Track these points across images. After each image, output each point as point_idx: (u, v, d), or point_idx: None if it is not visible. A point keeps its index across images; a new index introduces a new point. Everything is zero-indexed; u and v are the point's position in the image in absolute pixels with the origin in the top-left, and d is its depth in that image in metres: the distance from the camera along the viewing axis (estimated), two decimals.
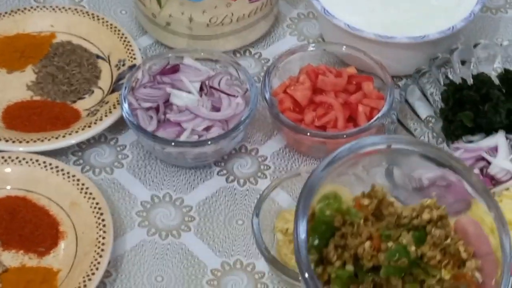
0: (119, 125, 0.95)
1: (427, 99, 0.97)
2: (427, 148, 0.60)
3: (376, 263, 0.51)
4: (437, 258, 0.53)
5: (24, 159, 0.88)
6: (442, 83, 0.97)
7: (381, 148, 0.59)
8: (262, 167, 0.94)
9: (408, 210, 0.57)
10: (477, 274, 0.53)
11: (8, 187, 0.87)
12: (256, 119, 0.97)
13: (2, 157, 0.88)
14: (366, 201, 0.57)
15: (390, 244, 0.52)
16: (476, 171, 0.88)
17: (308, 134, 0.90)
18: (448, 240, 0.53)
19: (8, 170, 0.87)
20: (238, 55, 1.04)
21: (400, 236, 0.53)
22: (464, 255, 0.53)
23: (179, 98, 0.90)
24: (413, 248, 0.52)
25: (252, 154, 0.95)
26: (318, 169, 0.54)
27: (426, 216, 0.56)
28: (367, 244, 0.52)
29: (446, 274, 0.52)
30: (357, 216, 0.55)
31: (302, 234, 0.52)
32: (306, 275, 0.50)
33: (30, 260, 0.83)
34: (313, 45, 0.98)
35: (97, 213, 0.84)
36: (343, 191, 0.79)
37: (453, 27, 0.96)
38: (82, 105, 0.97)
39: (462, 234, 0.54)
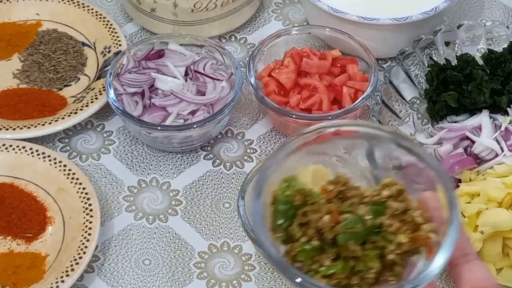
0: (106, 111, 0.95)
1: (412, 81, 0.98)
2: (385, 133, 0.61)
3: (336, 235, 0.56)
4: (395, 226, 0.56)
5: (10, 145, 0.88)
6: (426, 64, 0.98)
7: (330, 132, 0.61)
8: (248, 150, 0.94)
9: (370, 190, 0.60)
10: (433, 235, 0.56)
11: None
12: (242, 103, 0.97)
13: None
14: (331, 187, 0.60)
15: (347, 215, 0.56)
16: (460, 150, 0.88)
17: (294, 116, 0.91)
18: (406, 210, 0.57)
19: None
20: (223, 40, 1.05)
21: (357, 209, 0.57)
22: (419, 219, 0.56)
23: (164, 83, 0.90)
24: (368, 217, 0.56)
25: (238, 138, 0.95)
26: (272, 155, 0.59)
27: (385, 192, 0.59)
28: (326, 217, 0.56)
29: (403, 239, 0.56)
30: (318, 197, 0.59)
31: (257, 212, 0.56)
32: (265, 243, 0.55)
33: (18, 246, 0.83)
34: (297, 28, 0.99)
35: (84, 197, 0.84)
36: (326, 171, 0.80)
37: (436, 8, 0.97)
38: (68, 92, 0.97)
39: (423, 205, 0.56)
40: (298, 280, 0.54)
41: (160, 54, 0.93)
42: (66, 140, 0.94)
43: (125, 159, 0.92)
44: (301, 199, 0.58)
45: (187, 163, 0.92)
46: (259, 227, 0.56)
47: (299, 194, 0.58)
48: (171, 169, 0.92)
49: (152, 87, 0.91)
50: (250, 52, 1.03)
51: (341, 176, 0.61)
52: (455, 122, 0.94)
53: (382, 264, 0.56)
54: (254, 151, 0.95)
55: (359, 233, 0.55)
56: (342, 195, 0.59)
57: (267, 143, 0.95)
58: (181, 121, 0.89)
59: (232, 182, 0.91)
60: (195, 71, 0.92)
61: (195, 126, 0.88)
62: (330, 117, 0.91)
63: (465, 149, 0.89)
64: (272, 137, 0.96)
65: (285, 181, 0.59)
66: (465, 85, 0.94)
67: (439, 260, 0.54)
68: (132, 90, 0.90)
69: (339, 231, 0.56)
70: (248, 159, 0.94)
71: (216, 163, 0.93)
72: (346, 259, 0.56)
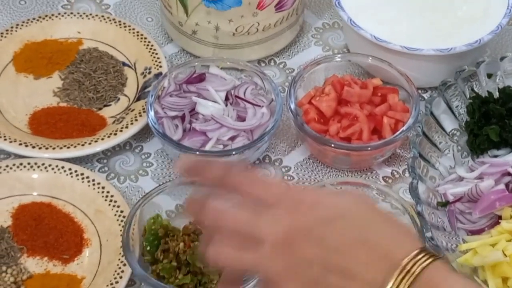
0: (144, 133, 0.96)
1: (452, 112, 0.97)
2: None
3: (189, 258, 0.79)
4: None
5: (50, 165, 0.89)
6: (467, 96, 0.97)
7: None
8: (286, 177, 0.94)
9: None
10: None
11: (35, 193, 0.88)
12: (280, 129, 0.97)
13: (29, 163, 0.89)
14: (189, 226, 0.83)
15: (197, 243, 0.80)
16: (502, 186, 0.87)
17: (333, 145, 0.90)
18: None
19: (35, 176, 0.88)
20: (262, 64, 1.05)
21: None
22: None
23: (205, 107, 0.90)
24: None
25: (276, 164, 0.95)
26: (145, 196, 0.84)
27: None
28: (181, 244, 0.80)
29: None
30: (176, 230, 0.82)
31: (126, 239, 0.80)
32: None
33: (55, 267, 0.83)
34: (338, 55, 0.98)
35: (122, 221, 0.84)
36: None
37: (480, 40, 0.96)
38: (108, 112, 0.97)
39: None
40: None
41: (201, 78, 0.93)
42: (105, 161, 0.94)
43: (163, 182, 0.92)
44: (163, 232, 0.82)
45: None
46: (127, 252, 0.78)
47: (162, 228, 0.82)
48: None
49: (193, 111, 0.91)
50: (289, 77, 1.04)
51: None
52: (496, 156, 0.92)
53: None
54: (292, 178, 0.94)
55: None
56: (198, 231, 0.82)
57: (305, 171, 0.95)
58: (221, 146, 0.89)
59: None
60: (236, 96, 0.92)
61: (234, 152, 0.88)
62: (369, 148, 0.90)
63: (507, 185, 0.88)
64: (309, 164, 0.95)
65: (152, 218, 0.83)
66: (508, 119, 0.93)
67: None
68: (173, 113, 0.90)
69: (189, 254, 0.79)
70: None
71: None
72: (194, 274, 0.79)
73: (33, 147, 0.90)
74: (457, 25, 0.98)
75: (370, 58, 0.97)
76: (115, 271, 0.80)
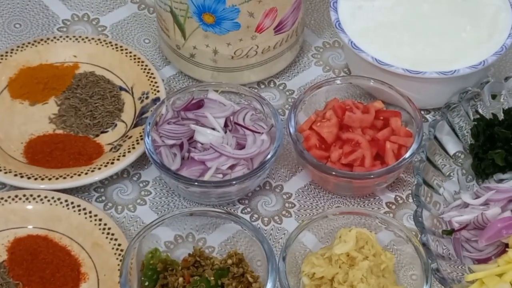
0: (142, 160, 0.94)
1: (456, 134, 0.95)
2: None
3: None
4: (233, 285, 0.79)
5: (46, 197, 0.87)
6: (471, 117, 0.95)
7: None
8: (287, 205, 0.92)
9: (218, 260, 0.82)
10: None
11: (30, 226, 0.86)
12: (281, 154, 0.95)
13: (24, 195, 0.87)
14: (188, 258, 0.81)
15: (196, 278, 0.79)
16: (508, 213, 0.85)
17: (334, 173, 0.88)
18: (243, 273, 0.80)
19: (30, 207, 0.86)
20: (262, 86, 1.03)
21: (204, 271, 0.79)
22: (250, 279, 0.80)
23: (203, 135, 0.88)
24: (212, 278, 0.79)
25: (276, 191, 0.93)
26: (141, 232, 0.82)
27: (229, 261, 0.81)
28: (181, 279, 0.79)
29: None
30: (175, 263, 0.81)
31: (123, 276, 0.78)
32: None
33: None
34: (339, 78, 0.96)
35: (120, 255, 0.82)
36: (369, 235, 0.78)
37: (484, 62, 0.94)
38: (105, 140, 0.95)
39: None
40: None
41: (199, 104, 0.91)
42: (102, 190, 0.92)
43: (161, 211, 0.90)
44: (162, 266, 0.80)
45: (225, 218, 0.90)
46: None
47: (161, 262, 0.80)
48: (207, 224, 0.89)
49: (191, 139, 0.89)
50: (289, 99, 1.02)
51: (197, 250, 0.82)
52: (502, 180, 0.91)
53: None
54: (293, 205, 0.92)
55: None
56: (198, 264, 0.81)
57: (306, 197, 0.93)
58: (220, 175, 0.87)
59: (270, 239, 0.89)
60: (235, 123, 0.90)
61: (234, 182, 0.86)
62: (372, 176, 0.88)
63: None
64: (311, 190, 0.93)
65: (150, 252, 0.81)
66: None
67: None
68: (171, 142, 0.88)
69: None
70: (287, 214, 0.91)
71: (254, 218, 0.91)
72: None
73: (29, 177, 0.88)
74: (460, 46, 0.96)
75: (372, 81, 0.95)
76: None
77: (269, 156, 0.87)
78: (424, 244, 0.81)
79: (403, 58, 0.95)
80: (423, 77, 0.93)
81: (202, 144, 0.88)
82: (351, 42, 0.96)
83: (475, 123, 0.94)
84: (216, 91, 0.93)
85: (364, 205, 0.92)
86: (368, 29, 0.97)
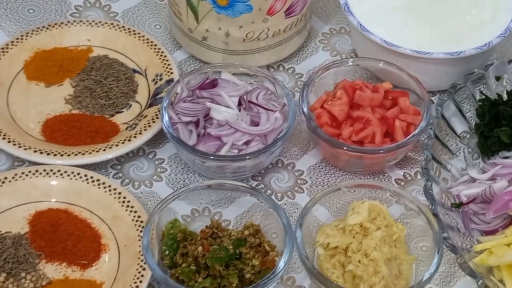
0: (157, 139, 0.96)
1: (463, 115, 0.98)
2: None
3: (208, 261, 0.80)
4: (251, 253, 0.81)
5: (66, 172, 0.89)
6: (477, 98, 0.98)
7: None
8: (299, 181, 0.94)
9: (236, 231, 0.84)
10: (277, 259, 0.81)
11: (53, 200, 0.88)
12: (292, 133, 0.97)
13: (44, 170, 0.89)
14: (206, 230, 0.83)
15: (215, 246, 0.81)
16: None
17: (346, 148, 0.91)
18: (260, 243, 0.82)
19: (50, 182, 0.88)
20: (271, 69, 1.05)
21: (222, 241, 0.82)
22: (268, 248, 0.82)
23: (219, 113, 0.91)
24: (230, 247, 0.81)
25: (288, 168, 0.96)
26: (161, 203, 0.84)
27: (246, 232, 0.83)
28: (200, 248, 0.81)
29: (256, 262, 0.80)
30: (194, 234, 0.83)
31: (145, 243, 0.79)
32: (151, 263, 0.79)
33: (73, 273, 0.84)
34: (349, 60, 0.99)
35: (140, 226, 0.84)
36: (381, 207, 0.81)
37: (489, 43, 0.97)
38: (120, 119, 0.97)
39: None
40: None
41: (214, 84, 0.94)
42: (119, 167, 0.94)
43: (177, 187, 0.93)
44: (182, 236, 0.82)
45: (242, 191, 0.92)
46: (147, 255, 0.78)
47: (180, 232, 0.82)
48: (223, 199, 0.91)
49: (206, 116, 0.92)
50: (298, 82, 1.04)
51: (214, 222, 0.84)
52: (507, 157, 0.93)
53: (242, 282, 0.80)
54: (305, 182, 0.95)
55: (222, 258, 0.80)
56: (215, 235, 0.83)
57: (317, 174, 0.95)
58: (235, 151, 0.89)
59: None
60: (249, 101, 0.93)
61: (248, 157, 0.88)
62: (382, 151, 0.91)
63: None
64: (322, 168, 0.96)
65: (170, 223, 0.83)
66: None
67: (281, 264, 0.79)
68: (187, 119, 0.91)
69: (208, 257, 0.80)
70: (299, 190, 0.94)
71: (268, 193, 0.93)
72: (214, 277, 0.80)
73: (48, 153, 0.90)
74: (466, 28, 0.99)
75: (381, 62, 0.97)
76: (135, 275, 0.81)
77: (283, 133, 0.90)
78: (435, 215, 0.84)
79: (409, 40, 0.98)
80: (431, 57, 0.96)
81: (217, 121, 0.91)
82: (360, 24, 0.98)
83: (480, 103, 0.97)
84: (230, 72, 0.96)
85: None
86: (376, 12, 1.00)
